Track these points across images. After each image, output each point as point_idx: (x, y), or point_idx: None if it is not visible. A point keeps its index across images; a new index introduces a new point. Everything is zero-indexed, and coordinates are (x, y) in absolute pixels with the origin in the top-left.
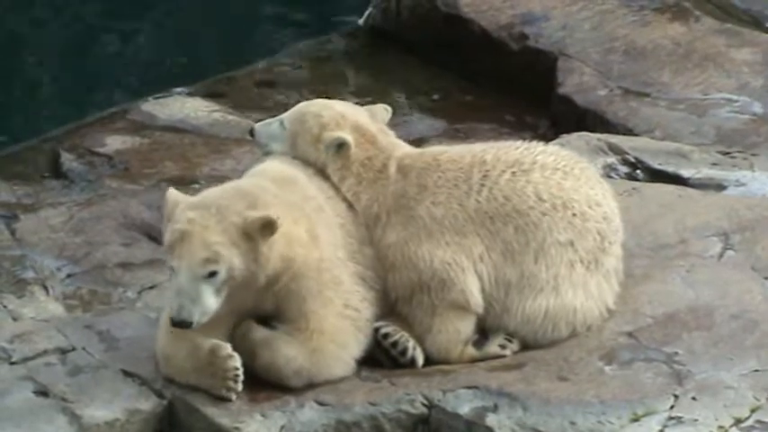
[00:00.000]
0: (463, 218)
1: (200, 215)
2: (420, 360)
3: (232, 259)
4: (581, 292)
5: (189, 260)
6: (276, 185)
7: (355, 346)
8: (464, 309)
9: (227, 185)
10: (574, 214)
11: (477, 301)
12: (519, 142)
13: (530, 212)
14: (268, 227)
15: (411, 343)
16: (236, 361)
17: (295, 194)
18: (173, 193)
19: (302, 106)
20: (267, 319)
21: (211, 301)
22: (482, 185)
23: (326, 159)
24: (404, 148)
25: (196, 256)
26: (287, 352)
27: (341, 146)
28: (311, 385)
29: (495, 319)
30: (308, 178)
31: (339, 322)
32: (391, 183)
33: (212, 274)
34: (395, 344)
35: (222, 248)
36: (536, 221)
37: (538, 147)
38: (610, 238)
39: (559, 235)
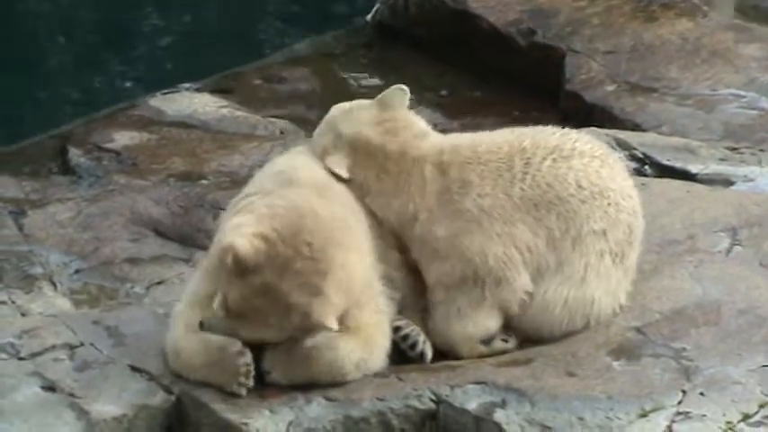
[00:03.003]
0: (510, 207)
1: None
2: (429, 355)
3: None
4: (603, 284)
5: None
6: (317, 195)
7: (390, 336)
8: (507, 309)
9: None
10: (609, 204)
11: (521, 301)
12: (550, 128)
13: (570, 200)
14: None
15: (422, 337)
16: (248, 356)
17: (335, 202)
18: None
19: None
20: None
21: None
22: (525, 173)
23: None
24: (432, 142)
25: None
26: (346, 346)
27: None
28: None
29: (521, 312)
30: (340, 186)
31: (376, 317)
32: (428, 182)
33: None
34: (405, 337)
35: None
36: (576, 209)
37: (572, 133)
38: (636, 232)
39: (595, 224)
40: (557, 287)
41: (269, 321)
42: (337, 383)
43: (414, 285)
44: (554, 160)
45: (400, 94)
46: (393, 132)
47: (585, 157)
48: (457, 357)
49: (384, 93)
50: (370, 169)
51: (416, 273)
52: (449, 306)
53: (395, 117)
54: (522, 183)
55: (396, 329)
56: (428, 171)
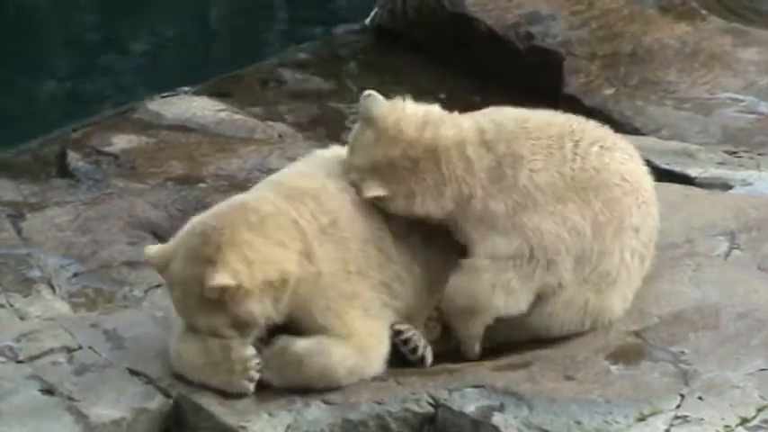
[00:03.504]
0: (562, 185)
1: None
2: (429, 359)
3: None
4: (624, 290)
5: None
6: (285, 200)
7: (387, 342)
8: (544, 292)
9: (215, 210)
10: (643, 202)
11: (553, 289)
12: (586, 120)
13: (615, 189)
14: (227, 291)
15: (422, 342)
16: (252, 350)
17: (301, 210)
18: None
19: None
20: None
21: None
22: (575, 155)
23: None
24: (459, 125)
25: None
26: (339, 351)
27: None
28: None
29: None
30: (338, 192)
31: (368, 322)
32: (474, 162)
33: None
34: (407, 341)
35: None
36: (619, 199)
37: (607, 128)
38: (654, 236)
39: (632, 218)
40: (586, 290)
41: (193, 309)
42: (332, 389)
43: (419, 293)
44: (601, 147)
45: (372, 100)
46: (399, 137)
47: (626, 154)
48: (459, 332)
49: (360, 109)
50: (406, 178)
51: (423, 279)
52: (496, 276)
53: (389, 123)
54: (573, 163)
55: (397, 333)
56: (471, 151)
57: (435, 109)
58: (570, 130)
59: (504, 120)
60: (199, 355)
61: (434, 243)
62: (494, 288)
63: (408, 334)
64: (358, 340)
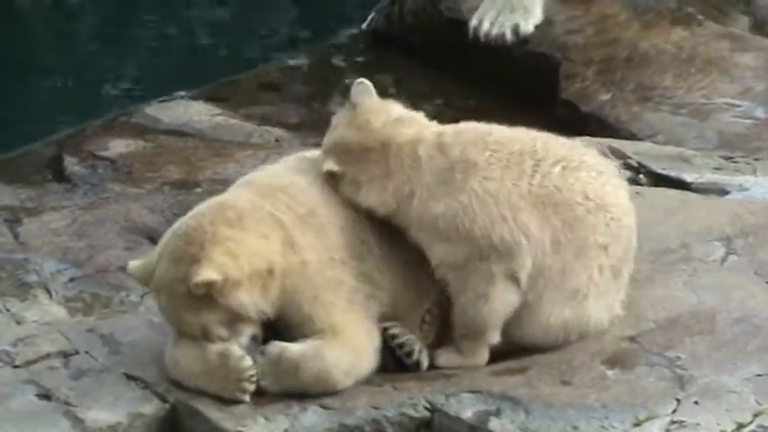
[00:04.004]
0: (517, 195)
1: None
2: (425, 363)
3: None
4: (602, 301)
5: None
6: (258, 196)
7: (376, 336)
8: (516, 282)
9: (193, 212)
10: (612, 218)
11: (525, 279)
12: (560, 137)
13: (577, 208)
14: (212, 285)
15: (418, 346)
16: (249, 360)
17: (276, 204)
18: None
19: None
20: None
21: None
22: (534, 172)
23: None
24: (421, 127)
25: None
26: (333, 354)
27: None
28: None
29: (519, 328)
30: (309, 185)
31: (354, 315)
32: (424, 161)
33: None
34: (402, 345)
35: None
36: (582, 218)
37: (580, 146)
38: (632, 250)
39: (600, 237)
40: (561, 309)
41: (181, 311)
42: (329, 393)
43: (403, 289)
44: (563, 168)
45: (363, 88)
46: (365, 126)
47: (593, 171)
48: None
49: (351, 93)
50: (357, 164)
51: (407, 275)
52: (465, 291)
53: (363, 111)
54: (531, 179)
55: (392, 337)
56: (422, 151)
57: (417, 115)
58: (533, 148)
59: (466, 128)
60: (196, 363)
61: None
62: (472, 303)
63: (403, 338)
64: (346, 338)
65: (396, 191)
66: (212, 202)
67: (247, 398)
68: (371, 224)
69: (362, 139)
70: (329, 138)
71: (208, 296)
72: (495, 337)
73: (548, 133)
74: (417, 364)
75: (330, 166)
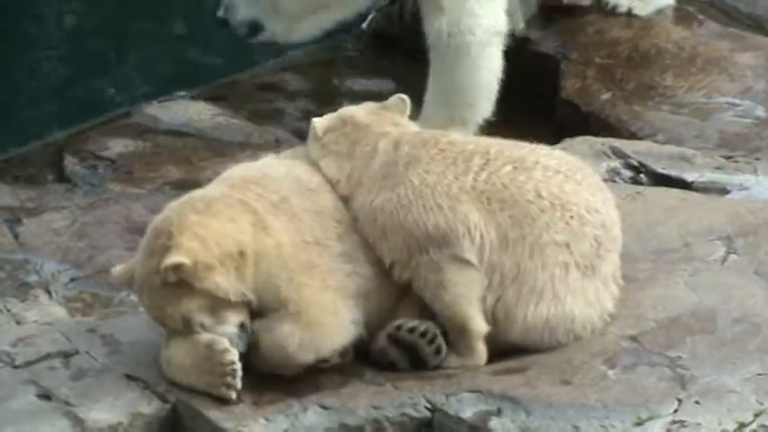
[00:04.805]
0: (458, 188)
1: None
2: (444, 348)
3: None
4: (580, 298)
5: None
6: (229, 187)
7: (346, 311)
8: (465, 262)
9: (166, 207)
10: (572, 216)
11: (474, 259)
12: (524, 143)
13: (528, 206)
14: (183, 270)
15: (439, 331)
16: (234, 354)
17: (246, 193)
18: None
19: None
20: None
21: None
22: (482, 169)
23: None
24: (402, 129)
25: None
26: (283, 329)
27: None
28: (314, 388)
29: (500, 328)
30: (282, 176)
31: (321, 296)
32: (379, 154)
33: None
34: (424, 333)
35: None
36: (533, 216)
37: (542, 149)
38: (607, 245)
39: (556, 234)
40: (535, 308)
41: (162, 303)
42: (289, 368)
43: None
44: (515, 168)
45: (400, 102)
46: (375, 113)
47: (549, 171)
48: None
49: (386, 102)
50: (336, 133)
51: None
52: (420, 283)
53: (385, 110)
54: (477, 176)
55: (411, 330)
56: (381, 144)
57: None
58: (485, 150)
59: (428, 132)
60: (185, 357)
61: None
62: (441, 291)
63: (423, 327)
64: (306, 316)
65: (350, 175)
66: (184, 196)
67: (233, 395)
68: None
69: (356, 115)
70: (344, 110)
71: (184, 283)
72: (480, 326)
73: (514, 141)
74: (439, 349)
75: (318, 123)
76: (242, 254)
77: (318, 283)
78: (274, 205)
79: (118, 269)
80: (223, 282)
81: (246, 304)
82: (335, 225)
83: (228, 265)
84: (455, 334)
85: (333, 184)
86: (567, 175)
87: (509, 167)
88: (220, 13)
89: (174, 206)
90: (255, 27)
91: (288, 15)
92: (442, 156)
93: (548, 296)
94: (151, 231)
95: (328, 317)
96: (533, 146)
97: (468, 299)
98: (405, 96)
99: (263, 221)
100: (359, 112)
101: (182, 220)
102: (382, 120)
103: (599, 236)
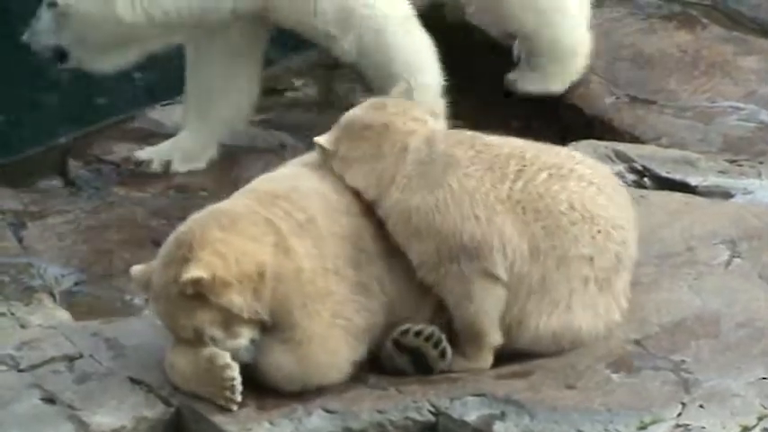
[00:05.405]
0: (495, 197)
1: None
2: (449, 352)
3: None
4: (590, 311)
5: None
6: (257, 202)
7: (347, 350)
8: (494, 278)
9: (189, 219)
10: (599, 231)
11: (503, 274)
12: (559, 147)
13: (560, 217)
14: (201, 284)
15: (444, 335)
16: (234, 370)
17: (273, 210)
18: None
19: None
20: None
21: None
22: (518, 177)
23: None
24: (426, 125)
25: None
26: (276, 358)
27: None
28: (318, 392)
29: (511, 335)
30: (312, 191)
31: (327, 331)
32: (410, 152)
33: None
34: (429, 337)
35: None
36: (565, 228)
37: (577, 155)
38: (625, 262)
39: (583, 248)
40: (547, 318)
41: (176, 313)
42: (280, 390)
43: (405, 293)
44: (550, 176)
45: (403, 85)
46: (380, 108)
47: (583, 182)
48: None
49: (393, 89)
50: (353, 140)
51: (407, 278)
52: (448, 294)
53: (386, 99)
54: (513, 184)
55: (417, 334)
56: (412, 142)
57: (438, 121)
58: (520, 155)
59: (459, 131)
60: (188, 367)
61: None
62: (466, 302)
63: (428, 331)
64: (305, 350)
65: (380, 175)
66: (210, 207)
67: (233, 407)
68: (375, 232)
69: (369, 117)
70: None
71: (200, 296)
72: (496, 339)
73: (549, 145)
74: (444, 353)
75: (322, 140)
76: (261, 275)
77: (329, 315)
78: (300, 226)
79: (137, 269)
80: (239, 299)
81: (259, 321)
82: (357, 253)
83: (246, 284)
84: (467, 339)
85: (362, 193)
86: (600, 187)
87: (544, 174)
88: (25, 38)
89: (199, 218)
90: (61, 54)
91: (93, 47)
92: (479, 159)
93: (562, 307)
94: (173, 241)
95: (326, 356)
96: (568, 151)
97: (490, 314)
98: (408, 80)
99: (286, 244)
100: (368, 112)
101: (204, 235)
102: (403, 117)
103: (620, 252)
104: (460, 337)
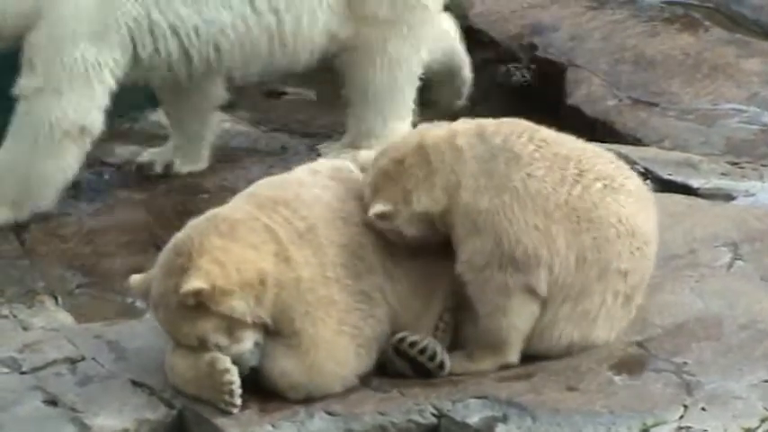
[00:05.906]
0: (554, 202)
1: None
2: (448, 364)
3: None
4: (608, 325)
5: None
6: (257, 208)
7: (355, 361)
8: (534, 295)
9: (188, 225)
10: (638, 248)
11: (544, 290)
12: (608, 154)
13: (609, 230)
14: (201, 294)
15: (439, 347)
16: (234, 375)
17: (273, 216)
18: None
19: None
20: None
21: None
22: (576, 181)
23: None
24: (450, 125)
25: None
26: (283, 365)
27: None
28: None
29: (530, 341)
30: (314, 199)
31: (335, 339)
32: (465, 150)
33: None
34: (423, 350)
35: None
36: (612, 241)
37: (625, 168)
38: (647, 278)
39: (622, 263)
40: (572, 329)
41: (178, 322)
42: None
43: (408, 302)
44: (605, 186)
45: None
46: (395, 145)
47: (632, 197)
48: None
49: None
50: (398, 182)
51: (416, 291)
52: (483, 301)
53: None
54: (572, 189)
55: (412, 345)
56: (462, 141)
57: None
58: (578, 158)
59: (506, 120)
60: (188, 370)
61: (420, 250)
62: (499, 314)
63: (423, 343)
64: (314, 359)
65: (443, 185)
66: (208, 214)
67: (234, 411)
68: (377, 242)
69: (396, 155)
70: (367, 178)
71: (201, 305)
72: (512, 356)
73: (594, 147)
74: (441, 365)
75: (379, 208)
76: (263, 282)
77: (335, 323)
78: (300, 235)
79: (136, 278)
80: (241, 306)
81: (263, 324)
82: (358, 262)
83: (248, 291)
84: (484, 345)
85: (434, 217)
86: (643, 204)
87: (600, 185)
88: None
89: (197, 225)
90: None
91: None
92: (541, 155)
93: (590, 319)
94: (171, 249)
95: (333, 366)
96: (616, 160)
97: (520, 330)
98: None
99: (286, 252)
100: (385, 155)
101: (203, 243)
102: (423, 132)
103: (647, 269)
104: (477, 340)
